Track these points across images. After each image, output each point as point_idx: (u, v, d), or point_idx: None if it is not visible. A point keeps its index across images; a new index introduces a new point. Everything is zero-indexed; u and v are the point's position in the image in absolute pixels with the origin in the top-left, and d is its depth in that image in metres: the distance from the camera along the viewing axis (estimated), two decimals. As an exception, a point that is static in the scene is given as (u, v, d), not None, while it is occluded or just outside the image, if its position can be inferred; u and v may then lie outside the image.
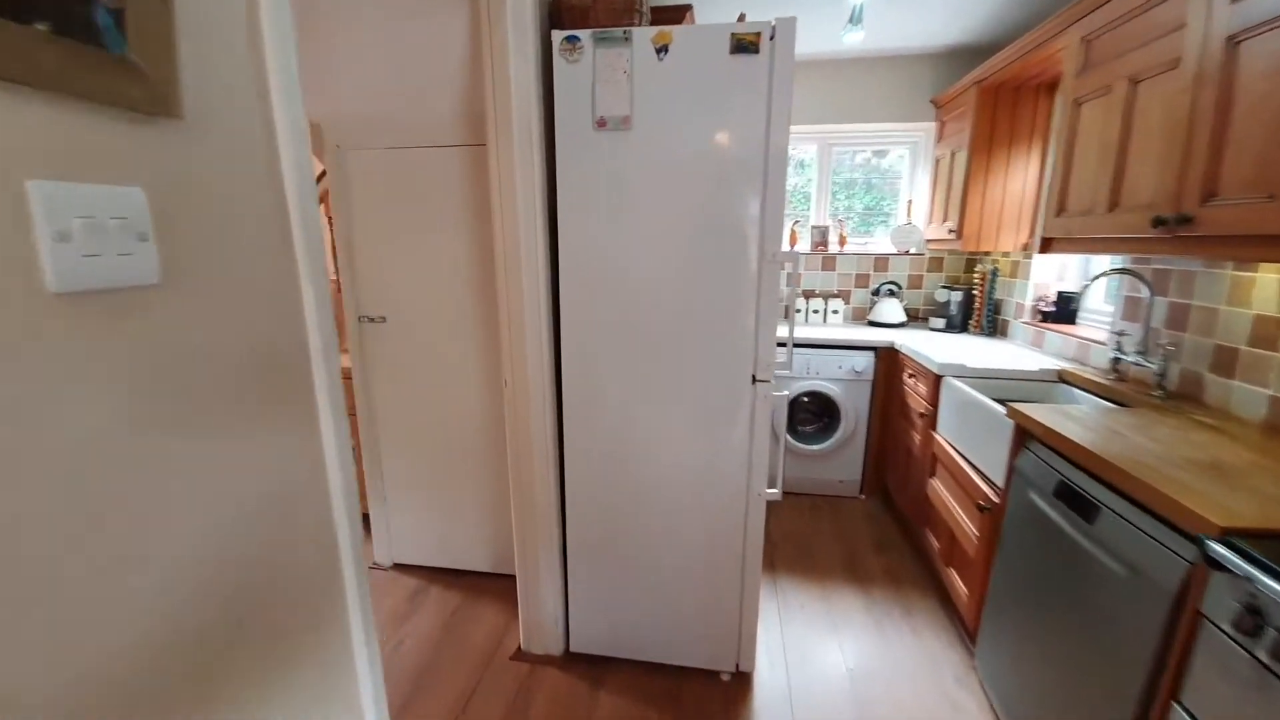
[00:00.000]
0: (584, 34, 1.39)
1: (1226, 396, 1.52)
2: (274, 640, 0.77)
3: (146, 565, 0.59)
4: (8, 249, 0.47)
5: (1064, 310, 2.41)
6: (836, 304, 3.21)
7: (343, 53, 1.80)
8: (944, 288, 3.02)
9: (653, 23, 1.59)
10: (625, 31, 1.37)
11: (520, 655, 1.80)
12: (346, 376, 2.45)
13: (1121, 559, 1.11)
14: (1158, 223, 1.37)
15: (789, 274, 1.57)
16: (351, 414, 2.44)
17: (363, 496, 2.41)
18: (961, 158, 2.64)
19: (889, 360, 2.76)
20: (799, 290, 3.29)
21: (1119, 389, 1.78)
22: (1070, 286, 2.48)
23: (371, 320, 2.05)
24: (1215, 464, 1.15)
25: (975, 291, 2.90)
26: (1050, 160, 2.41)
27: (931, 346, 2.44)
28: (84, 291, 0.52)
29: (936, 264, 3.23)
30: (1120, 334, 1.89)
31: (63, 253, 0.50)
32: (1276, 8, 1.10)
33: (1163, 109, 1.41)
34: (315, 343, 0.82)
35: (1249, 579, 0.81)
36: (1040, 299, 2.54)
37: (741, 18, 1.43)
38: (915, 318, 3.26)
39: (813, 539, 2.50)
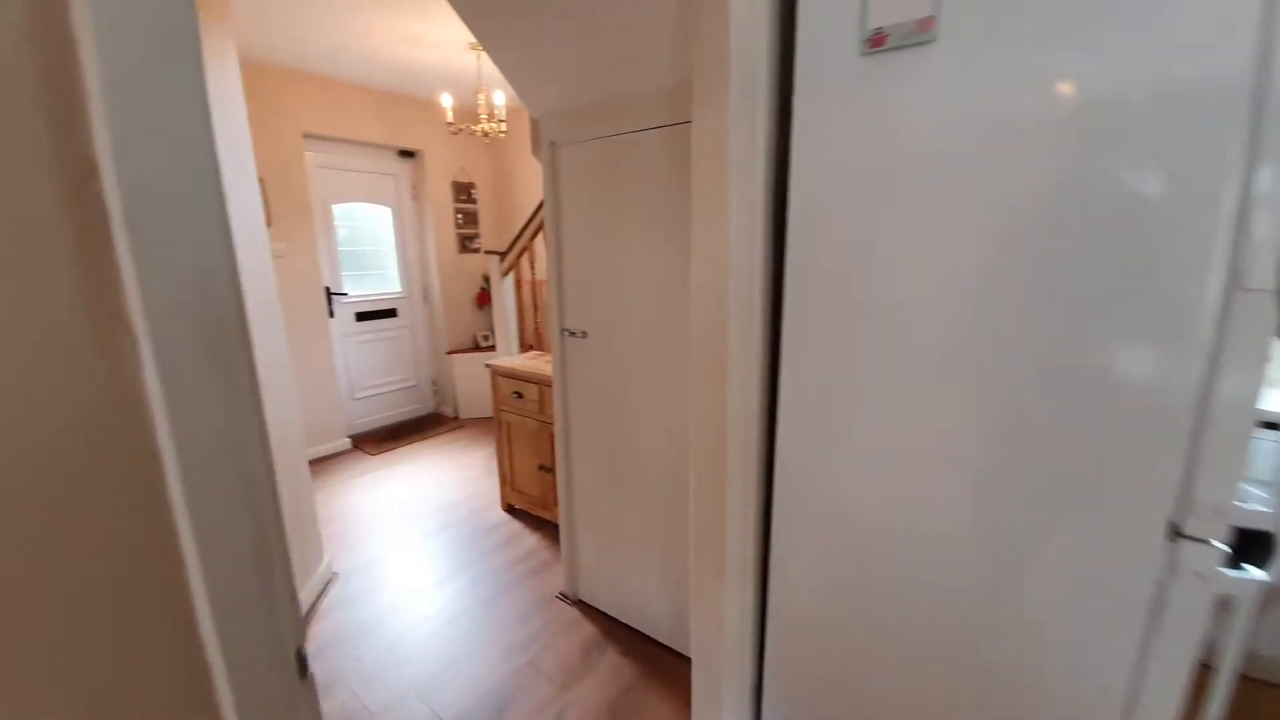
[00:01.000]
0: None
1: None
2: None
3: None
4: None
5: None
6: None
7: (550, 34, 1.56)
8: None
9: None
10: None
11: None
12: (547, 384, 2.52)
13: None
14: None
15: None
16: (548, 422, 2.32)
17: (558, 509, 2.23)
18: None
19: None
20: None
21: None
22: None
23: (572, 334, 1.84)
24: None
25: None
26: None
27: None
28: None
29: None
30: None
31: None
32: None
33: None
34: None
35: None
36: None
37: None
38: None
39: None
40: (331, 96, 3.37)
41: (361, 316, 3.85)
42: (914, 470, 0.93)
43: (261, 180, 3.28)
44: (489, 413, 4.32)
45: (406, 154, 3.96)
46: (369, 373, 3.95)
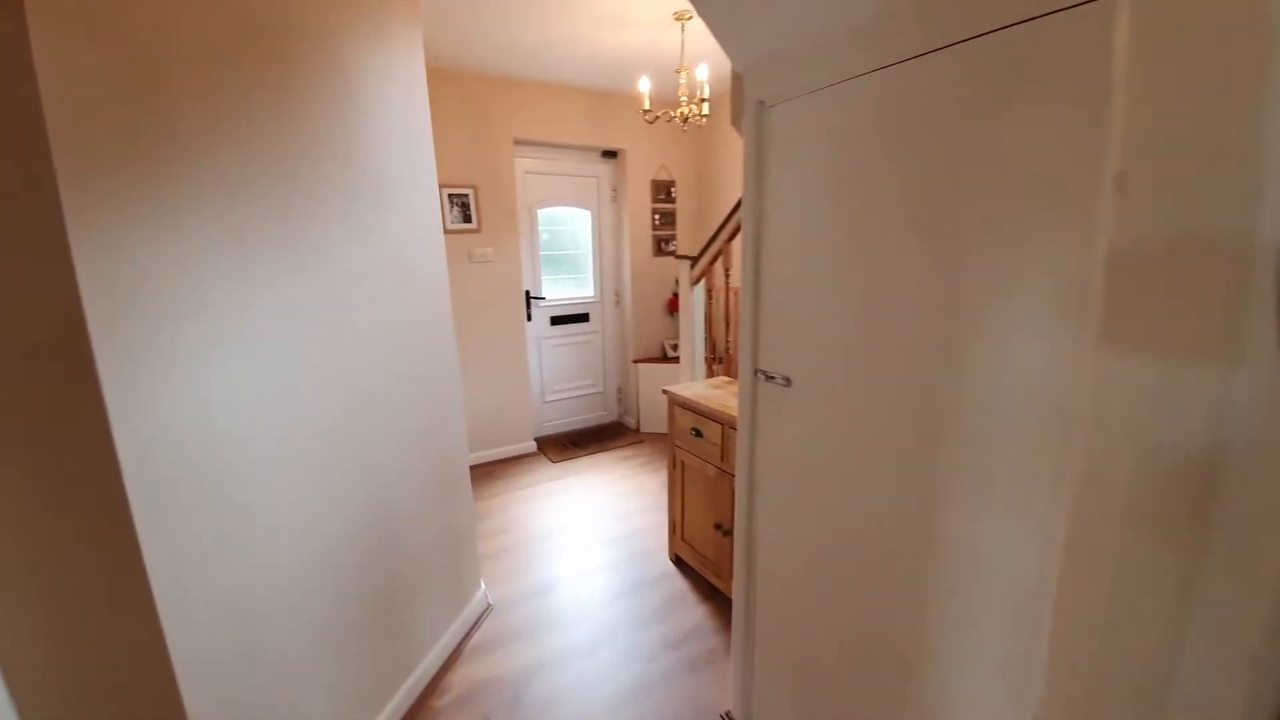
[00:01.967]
0: None
1: None
2: None
3: None
4: None
5: None
6: None
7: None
8: None
9: None
10: None
11: None
12: (731, 426, 1.88)
13: None
14: None
15: None
16: (731, 474, 1.79)
17: (732, 581, 1.70)
18: None
19: None
20: None
21: None
22: None
23: (769, 378, 1.28)
24: None
25: None
26: None
27: None
28: None
29: None
30: None
31: None
32: None
33: None
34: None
35: None
36: None
37: None
38: None
39: None
40: (539, 99, 3.36)
41: (556, 320, 3.84)
42: None
43: (474, 188, 3.43)
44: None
45: (609, 154, 3.82)
46: (559, 377, 3.94)
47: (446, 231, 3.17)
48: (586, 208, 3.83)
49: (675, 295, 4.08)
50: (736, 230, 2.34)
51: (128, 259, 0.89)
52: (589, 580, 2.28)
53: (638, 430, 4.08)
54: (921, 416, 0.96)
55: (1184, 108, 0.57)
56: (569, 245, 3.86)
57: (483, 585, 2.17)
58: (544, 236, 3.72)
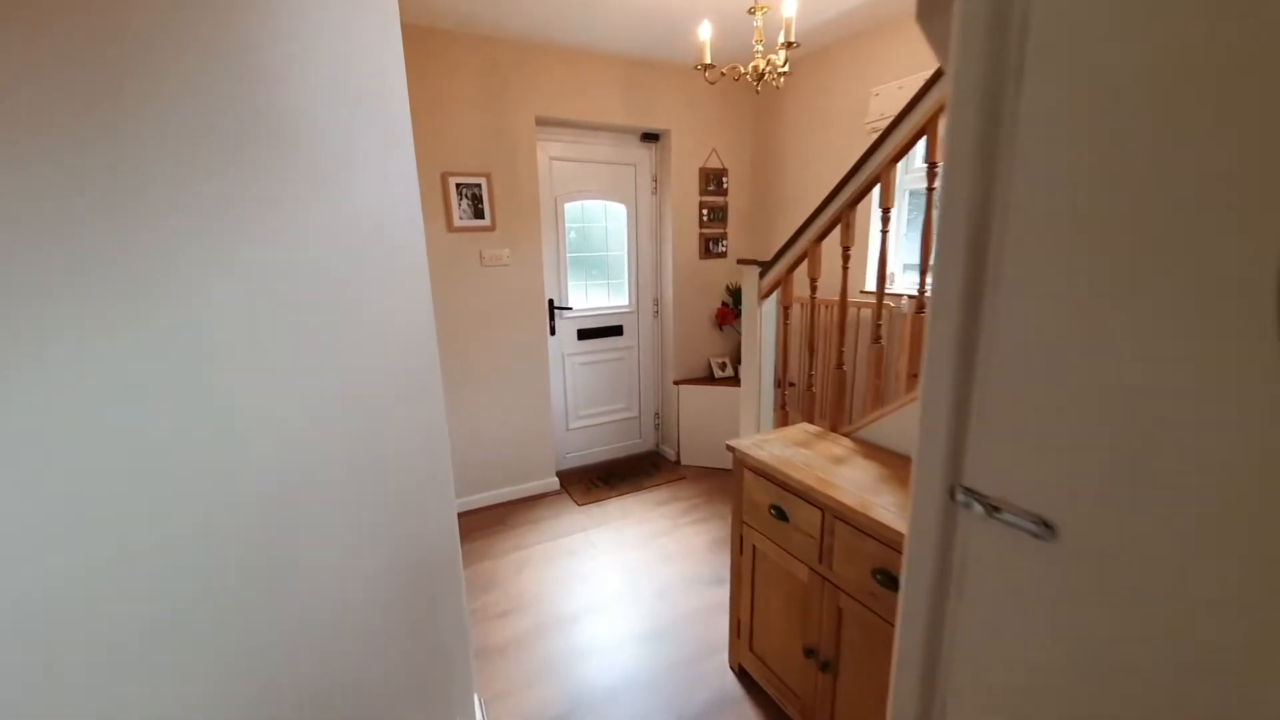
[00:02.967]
0: None
1: None
2: None
3: None
4: None
5: None
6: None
7: None
8: None
9: None
10: None
11: None
12: (842, 519, 1.19)
13: None
14: None
15: None
16: (839, 586, 1.16)
17: None
18: None
19: None
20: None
21: None
22: None
23: (992, 510, 0.66)
24: None
25: None
26: None
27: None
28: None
29: None
30: None
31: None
32: None
33: None
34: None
35: None
36: None
37: None
38: None
39: None
40: (566, 69, 2.78)
41: (584, 334, 3.26)
42: None
43: (487, 177, 2.87)
44: (717, 462, 3.36)
45: (649, 137, 3.21)
46: (587, 400, 3.36)
47: (453, 229, 2.62)
48: (621, 201, 3.24)
49: (725, 306, 3.45)
50: (831, 226, 1.71)
51: None
52: (621, 703, 1.68)
53: (677, 462, 3.47)
54: None
55: None
56: (600, 246, 3.27)
57: (477, 704, 1.59)
58: (571, 235, 3.15)
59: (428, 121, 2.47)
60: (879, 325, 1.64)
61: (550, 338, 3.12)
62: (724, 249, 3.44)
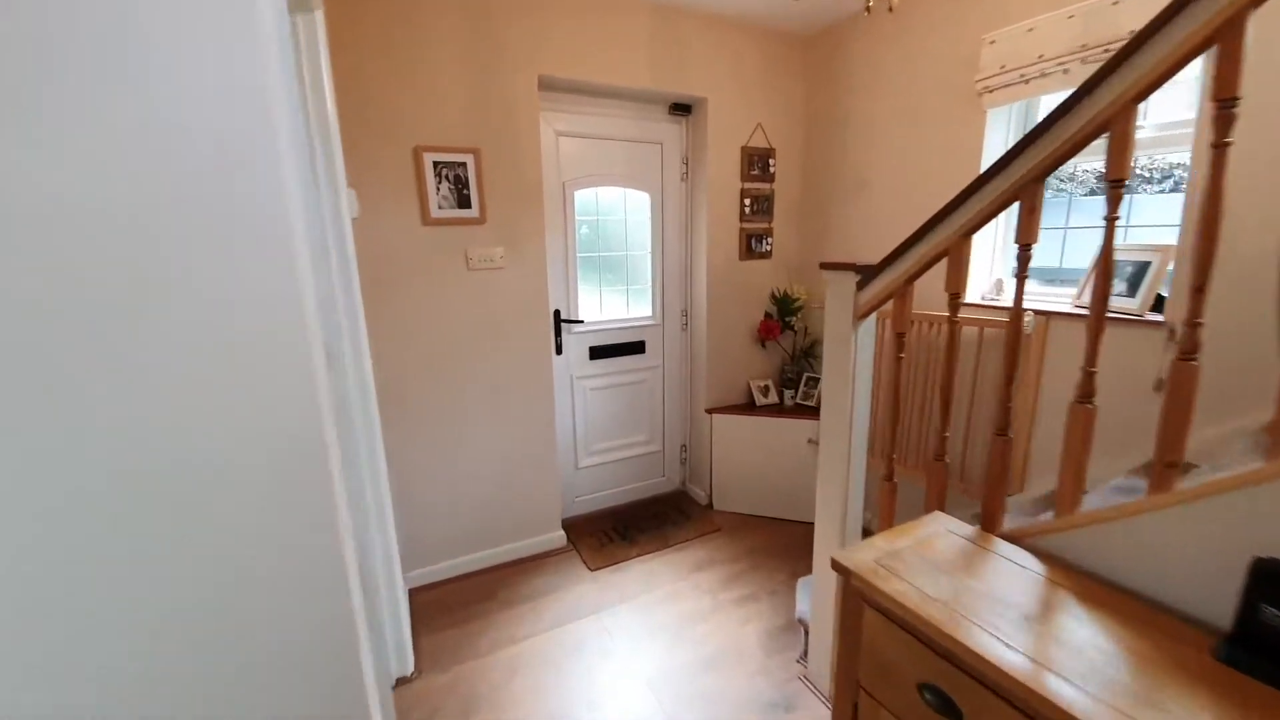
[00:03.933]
0: None
1: None
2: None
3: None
4: None
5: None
6: None
7: None
8: None
9: None
10: None
11: None
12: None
13: None
14: None
15: None
16: None
17: None
18: None
19: None
20: None
21: None
22: None
23: None
24: None
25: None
26: None
27: None
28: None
29: None
30: None
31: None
32: None
33: None
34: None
35: None
36: None
37: None
38: None
39: None
40: (580, 20, 2.17)
41: (598, 352, 2.65)
42: None
43: (475, 153, 2.25)
44: (758, 509, 2.75)
45: (680, 109, 2.60)
46: (601, 431, 2.76)
47: (431, 221, 2.02)
48: (645, 189, 2.63)
49: (769, 317, 2.83)
50: (998, 210, 1.08)
51: None
52: None
53: (709, 507, 2.86)
54: None
55: None
56: (618, 244, 2.67)
57: None
58: (582, 231, 2.54)
59: (395, 82, 1.88)
60: (1092, 373, 1.00)
61: (556, 357, 2.52)
62: (768, 247, 2.81)
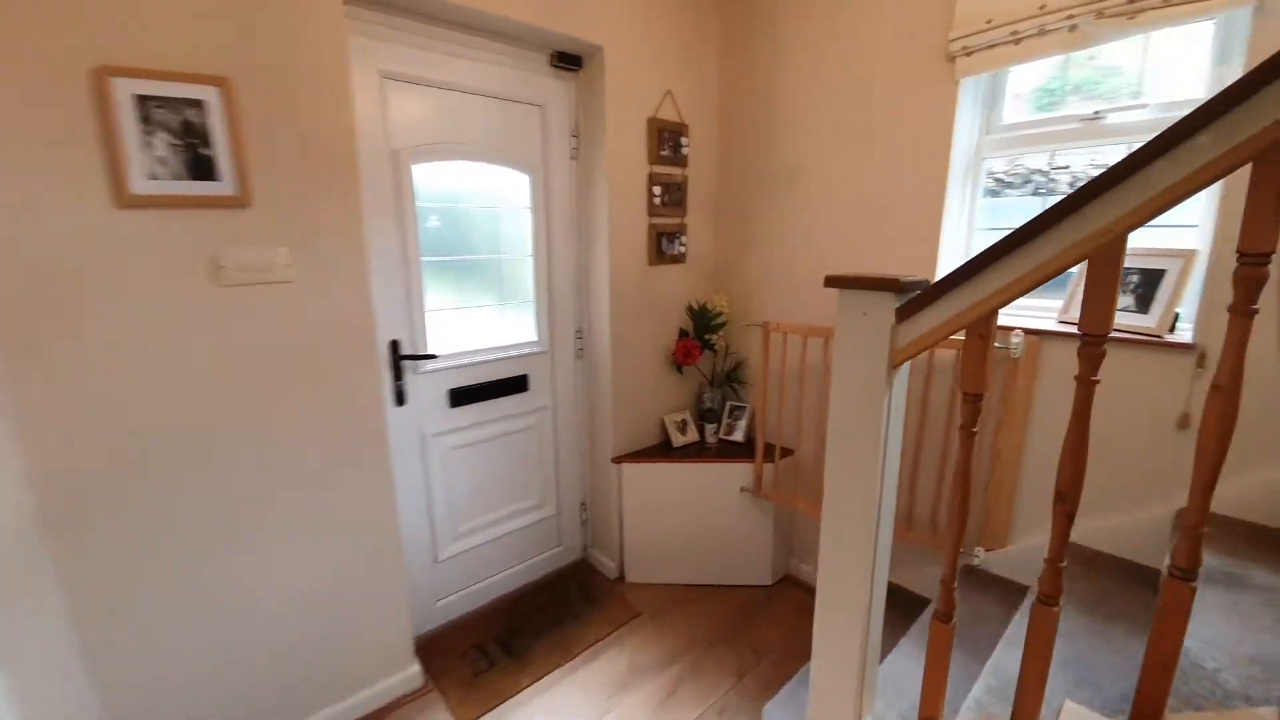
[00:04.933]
0: None
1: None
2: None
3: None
4: None
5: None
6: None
7: None
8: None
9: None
10: None
11: None
12: None
13: None
14: None
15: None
16: None
17: None
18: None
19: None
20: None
21: None
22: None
23: None
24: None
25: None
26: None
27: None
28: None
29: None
30: None
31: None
32: None
33: None
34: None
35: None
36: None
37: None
38: None
39: None
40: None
41: (461, 396, 1.88)
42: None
43: (222, 86, 1.19)
44: (680, 576, 2.19)
45: (568, 61, 1.92)
46: (471, 505, 1.99)
47: (130, 202, 1.13)
48: (522, 168, 1.91)
49: (685, 335, 2.27)
50: (1187, 194, 0.58)
51: None
52: None
53: (620, 579, 2.23)
54: None
55: None
56: (486, 244, 1.92)
57: None
58: (429, 224, 1.76)
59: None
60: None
61: (395, 410, 1.71)
62: (682, 249, 2.25)
